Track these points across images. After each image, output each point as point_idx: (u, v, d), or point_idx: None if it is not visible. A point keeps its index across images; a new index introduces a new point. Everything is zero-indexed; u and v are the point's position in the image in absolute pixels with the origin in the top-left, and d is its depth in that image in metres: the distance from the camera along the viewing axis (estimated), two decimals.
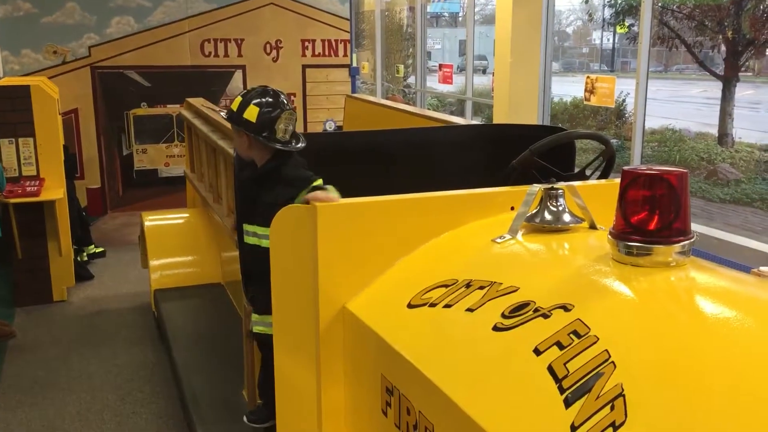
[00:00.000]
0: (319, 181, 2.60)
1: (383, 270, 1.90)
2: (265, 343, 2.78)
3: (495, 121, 6.77)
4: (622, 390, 1.11)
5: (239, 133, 2.67)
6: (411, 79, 12.84)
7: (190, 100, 4.97)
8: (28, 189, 5.05)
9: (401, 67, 13.12)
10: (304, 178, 2.62)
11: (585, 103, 6.47)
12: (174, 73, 6.94)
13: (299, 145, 2.70)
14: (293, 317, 2.01)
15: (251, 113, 2.61)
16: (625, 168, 1.46)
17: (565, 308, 1.36)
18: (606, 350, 1.20)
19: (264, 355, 2.84)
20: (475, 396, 1.31)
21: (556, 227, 1.76)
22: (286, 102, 2.68)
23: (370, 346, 1.74)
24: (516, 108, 6.90)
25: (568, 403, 1.14)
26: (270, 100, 2.65)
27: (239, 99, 2.67)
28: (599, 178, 2.38)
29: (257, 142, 2.62)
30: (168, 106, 6.95)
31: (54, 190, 5.19)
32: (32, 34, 6.44)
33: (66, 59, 6.59)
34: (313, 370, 1.92)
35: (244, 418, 2.85)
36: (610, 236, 1.47)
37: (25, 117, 5.15)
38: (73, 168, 6.21)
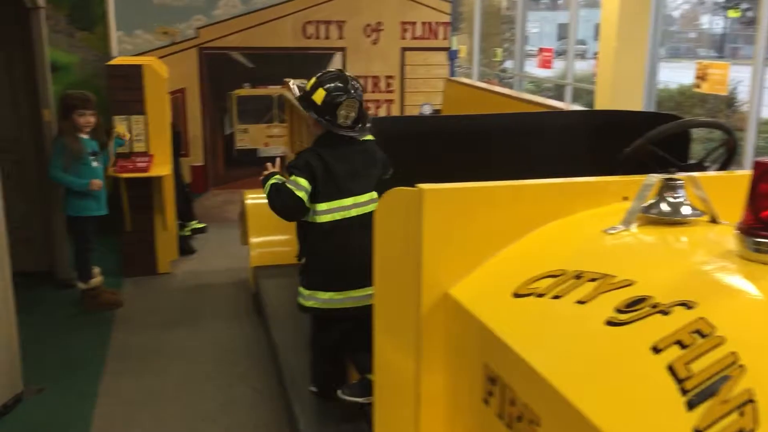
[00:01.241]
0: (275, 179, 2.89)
1: (487, 257, 1.86)
2: (312, 316, 2.95)
3: (597, 108, 6.55)
4: (753, 395, 1.04)
5: (308, 113, 2.86)
6: (507, 64, 12.62)
7: (289, 80, 5.03)
8: (139, 165, 5.27)
9: (499, 51, 12.90)
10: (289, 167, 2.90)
11: (695, 90, 6.17)
12: (276, 55, 7.06)
13: (363, 129, 2.84)
14: (395, 301, 2.01)
15: (319, 96, 2.78)
16: (758, 159, 1.36)
17: (686, 306, 1.28)
18: (733, 352, 1.13)
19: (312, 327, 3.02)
20: (587, 391, 1.26)
21: (673, 220, 1.67)
22: (354, 89, 2.80)
23: (474, 334, 1.71)
24: (619, 94, 6.68)
25: (691, 406, 1.08)
26: (339, 85, 2.79)
27: (314, 80, 2.84)
28: (719, 169, 2.26)
29: (319, 123, 2.81)
30: (269, 87, 7.08)
31: (162, 167, 5.40)
32: (145, 15, 6.70)
33: (175, 40, 6.82)
34: (413, 355, 1.91)
35: (339, 393, 2.91)
36: (737, 231, 1.38)
37: (137, 95, 5.36)
38: (179, 146, 6.44)
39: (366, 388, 2.87)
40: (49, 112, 5.18)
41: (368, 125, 2.88)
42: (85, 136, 4.81)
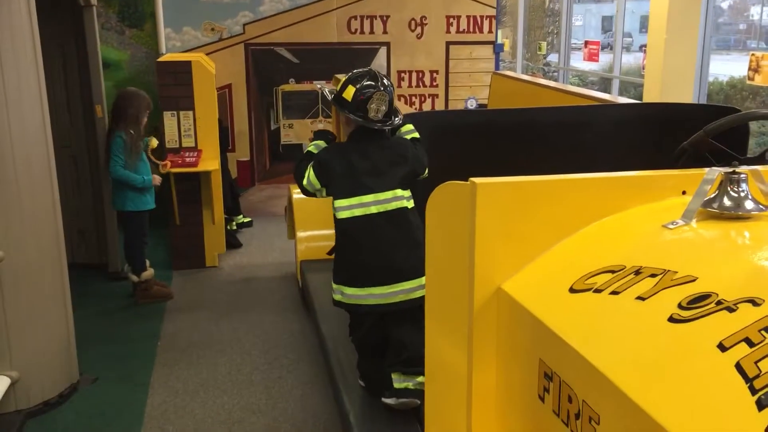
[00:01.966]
0: (313, 146, 3.02)
1: (541, 252, 1.84)
2: (348, 311, 2.97)
3: (645, 101, 6.43)
4: None
5: (341, 112, 2.89)
6: (550, 57, 12.48)
7: (339, 75, 5.05)
8: (188, 159, 5.35)
9: (544, 44, 12.75)
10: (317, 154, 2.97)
11: (748, 82, 6.03)
12: (321, 50, 7.09)
13: (396, 121, 2.87)
14: (446, 296, 2.00)
15: (349, 93, 2.81)
16: None
17: (753, 302, 1.25)
18: None
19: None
20: (650, 389, 1.24)
21: (736, 214, 1.63)
22: (384, 85, 2.82)
23: (528, 330, 1.69)
24: (669, 87, 6.55)
25: (761, 406, 1.05)
26: (368, 81, 2.82)
27: (344, 78, 2.87)
28: None
29: (351, 120, 2.84)
30: (314, 82, 7.12)
31: (210, 162, 5.48)
32: (193, 12, 6.79)
33: (222, 36, 6.90)
34: (465, 351, 1.90)
35: (383, 398, 2.93)
36: None
37: (186, 91, 5.44)
38: (225, 141, 6.52)
39: (392, 388, 2.88)
40: (101, 108, 5.30)
41: (400, 119, 2.90)
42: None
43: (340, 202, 2.82)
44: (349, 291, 2.84)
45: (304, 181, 2.90)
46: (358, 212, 2.80)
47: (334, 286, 2.90)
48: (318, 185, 2.88)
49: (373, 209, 2.79)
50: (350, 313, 2.98)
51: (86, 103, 5.37)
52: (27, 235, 3.50)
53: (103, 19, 6.50)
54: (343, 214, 2.81)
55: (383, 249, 2.78)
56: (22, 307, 3.51)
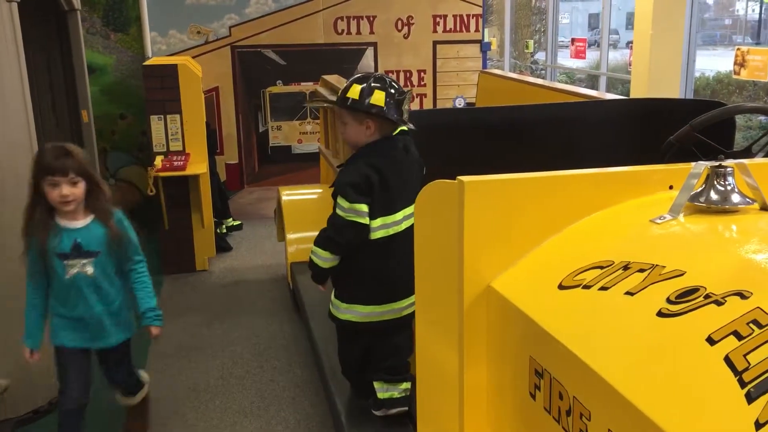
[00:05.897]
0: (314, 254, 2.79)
1: (530, 249, 1.84)
2: (340, 327, 2.88)
3: (632, 97, 6.45)
4: None
5: (361, 120, 2.66)
6: (538, 55, 12.51)
7: (326, 77, 5.04)
8: (175, 163, 5.33)
9: (531, 43, 12.79)
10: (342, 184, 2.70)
11: (734, 77, 6.06)
12: (308, 51, 7.08)
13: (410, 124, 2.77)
14: (436, 295, 1.99)
15: (378, 98, 2.61)
16: None
17: (741, 295, 1.25)
18: None
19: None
20: (640, 384, 1.24)
21: (723, 208, 1.63)
22: (402, 87, 2.75)
23: (518, 327, 1.69)
24: (656, 83, 6.58)
25: (750, 399, 1.05)
26: (394, 86, 2.70)
27: (357, 87, 2.64)
28: (766, 155, 2.20)
29: (384, 124, 2.66)
30: (302, 84, 7.10)
31: (198, 165, 5.46)
32: (178, 15, 6.76)
33: (208, 39, 6.87)
34: (456, 349, 1.89)
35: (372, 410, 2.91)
36: None
37: (173, 95, 5.42)
38: (214, 144, 6.49)
39: (377, 399, 2.86)
40: (87, 113, 5.26)
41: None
42: (69, 223, 2.80)
43: (375, 222, 2.65)
44: (366, 309, 2.72)
45: (364, 220, 2.60)
46: (392, 231, 2.66)
47: (343, 305, 2.76)
48: (365, 208, 2.61)
49: (404, 225, 2.67)
50: (348, 330, 2.85)
51: (72, 109, 5.34)
52: (12, 241, 3.46)
53: (87, 24, 6.46)
54: (377, 234, 2.66)
55: (409, 262, 2.71)
56: (9, 315, 3.48)
